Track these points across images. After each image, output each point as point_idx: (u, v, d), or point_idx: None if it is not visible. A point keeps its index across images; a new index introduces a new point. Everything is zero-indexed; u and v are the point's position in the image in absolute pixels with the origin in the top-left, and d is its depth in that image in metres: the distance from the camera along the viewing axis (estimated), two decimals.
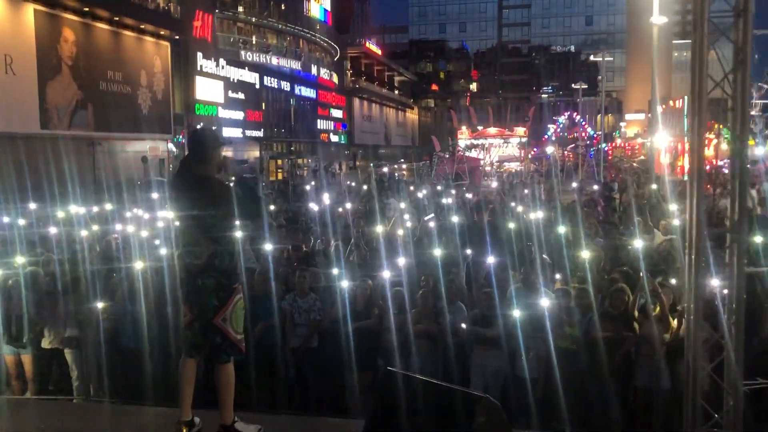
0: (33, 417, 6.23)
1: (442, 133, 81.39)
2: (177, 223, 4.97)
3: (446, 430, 3.38)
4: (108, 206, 14.86)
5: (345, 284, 7.18)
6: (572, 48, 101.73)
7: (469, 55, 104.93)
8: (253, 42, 52.65)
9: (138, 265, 7.93)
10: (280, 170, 56.97)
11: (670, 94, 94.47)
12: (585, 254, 7.58)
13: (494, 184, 29.76)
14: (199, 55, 44.52)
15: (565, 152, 58.56)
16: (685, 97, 44.34)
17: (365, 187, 22.91)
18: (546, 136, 69.63)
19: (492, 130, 57.51)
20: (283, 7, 56.02)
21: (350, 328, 7.09)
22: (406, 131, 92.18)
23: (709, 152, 47.28)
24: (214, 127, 28.83)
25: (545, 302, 6.70)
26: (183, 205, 4.76)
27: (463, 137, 56.53)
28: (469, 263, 8.27)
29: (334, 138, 67.87)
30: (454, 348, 7.05)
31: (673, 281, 7.16)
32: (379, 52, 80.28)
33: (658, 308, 6.42)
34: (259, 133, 52.52)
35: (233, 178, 5.12)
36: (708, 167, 34.84)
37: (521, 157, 52.69)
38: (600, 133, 74.57)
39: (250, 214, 5.18)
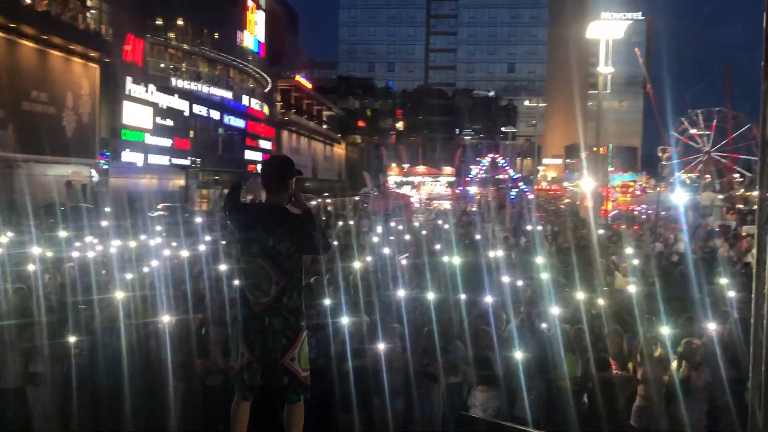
0: None
1: (369, 170, 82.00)
2: (240, 256, 4.58)
3: None
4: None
5: (345, 321, 6.98)
6: (493, 93, 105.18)
7: (395, 95, 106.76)
8: (184, 69, 51.74)
9: (117, 295, 7.48)
10: (205, 200, 55.74)
11: (586, 140, 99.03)
12: (579, 295, 7.69)
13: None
14: (129, 79, 43.33)
15: (488, 192, 60.11)
16: (610, 145, 46.56)
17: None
18: (470, 177, 71.17)
19: (421, 168, 58.53)
20: (216, 36, 55.42)
21: (349, 366, 6.89)
22: (333, 165, 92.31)
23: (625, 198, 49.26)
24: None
25: (547, 341, 6.74)
26: (254, 235, 4.45)
27: (393, 174, 57.26)
28: (459, 302, 8.23)
29: None
30: (453, 388, 6.97)
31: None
32: (309, 85, 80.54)
33: (659, 350, 6.55)
34: (186, 161, 51.31)
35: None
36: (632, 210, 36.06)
37: (449, 196, 53.78)
38: (519, 175, 77.28)
39: (320, 248, 4.72)
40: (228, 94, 57.21)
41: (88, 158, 39.20)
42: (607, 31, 20.86)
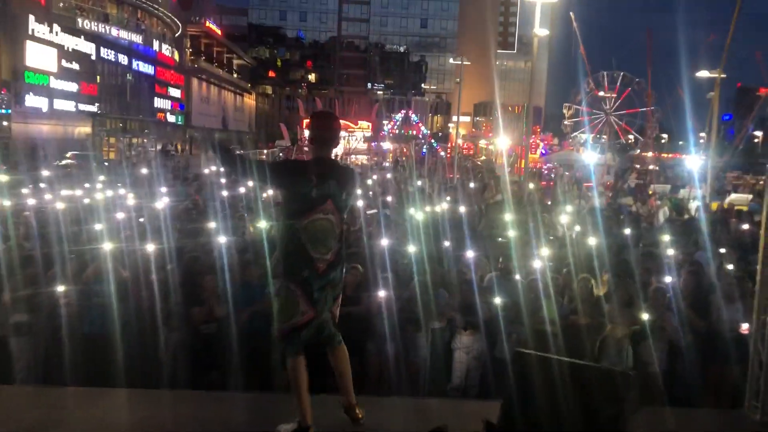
0: None
1: (279, 121, 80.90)
2: (304, 214, 4.46)
3: (593, 407, 3.77)
4: None
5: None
6: (404, 48, 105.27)
7: (304, 45, 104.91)
8: (91, 9, 48.99)
9: (106, 246, 7.47)
10: (112, 149, 53.56)
11: (493, 98, 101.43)
12: (542, 247, 8.34)
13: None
14: (31, 18, 40.64)
15: (404, 149, 60.89)
16: (525, 104, 48.02)
17: None
18: (383, 132, 71.62)
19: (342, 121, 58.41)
20: None
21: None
22: (244, 116, 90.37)
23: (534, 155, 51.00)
24: None
25: (524, 288, 7.34)
26: (328, 191, 4.45)
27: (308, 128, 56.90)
28: (443, 252, 8.69)
29: (171, 118, 64.97)
30: (437, 333, 7.47)
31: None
32: (219, 32, 78.01)
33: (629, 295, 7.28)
34: (93, 108, 49.02)
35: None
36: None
37: (365, 151, 54.09)
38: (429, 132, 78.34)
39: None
40: (137, 38, 54.73)
41: None
42: None
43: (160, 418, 5.25)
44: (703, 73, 28.54)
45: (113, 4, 52.09)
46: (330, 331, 4.65)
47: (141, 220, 9.11)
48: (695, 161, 30.03)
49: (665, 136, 68.16)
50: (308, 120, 57.09)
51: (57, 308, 7.35)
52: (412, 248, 8.07)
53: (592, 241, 9.69)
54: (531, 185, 19.57)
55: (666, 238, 10.14)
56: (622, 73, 62.99)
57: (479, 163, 40.76)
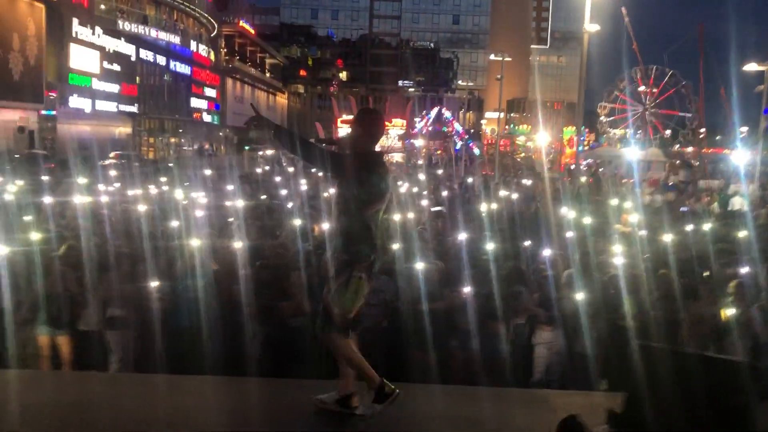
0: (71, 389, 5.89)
1: (312, 120, 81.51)
2: (374, 205, 4.73)
3: (725, 400, 3.85)
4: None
5: (420, 266, 7.44)
6: (433, 44, 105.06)
7: (336, 43, 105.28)
8: (131, 11, 49.84)
9: (194, 242, 7.71)
10: (151, 149, 54.45)
11: (526, 94, 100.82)
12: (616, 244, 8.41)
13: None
14: (75, 21, 41.53)
15: (436, 146, 60.97)
16: (564, 101, 47.76)
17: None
18: (416, 130, 71.59)
19: None
20: None
21: (424, 308, 7.37)
22: (276, 115, 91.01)
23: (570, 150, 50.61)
24: None
25: (605, 286, 7.41)
26: (387, 184, 4.79)
27: (345, 126, 57.24)
28: (521, 250, 8.79)
29: (207, 118, 65.79)
30: (518, 329, 7.58)
31: None
32: (253, 31, 78.70)
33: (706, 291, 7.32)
34: (134, 108, 49.89)
35: None
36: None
37: (401, 148, 54.23)
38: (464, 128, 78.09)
39: None
40: (175, 39, 55.48)
41: (37, 103, 37.68)
42: None
43: (247, 404, 5.41)
44: (751, 66, 28.14)
45: (152, 5, 52.90)
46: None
47: (229, 219, 9.30)
48: (742, 156, 29.54)
49: (703, 130, 66.98)
50: (345, 118, 57.53)
51: (150, 302, 7.64)
52: (489, 244, 8.17)
53: (663, 237, 9.73)
54: (582, 179, 19.48)
55: (742, 233, 10.11)
56: (671, 71, 62.01)
57: (519, 160, 40.66)
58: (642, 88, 60.28)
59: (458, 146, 54.97)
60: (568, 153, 47.81)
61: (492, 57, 54.58)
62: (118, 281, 7.70)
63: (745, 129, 79.69)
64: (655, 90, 60.76)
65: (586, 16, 18.08)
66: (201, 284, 7.59)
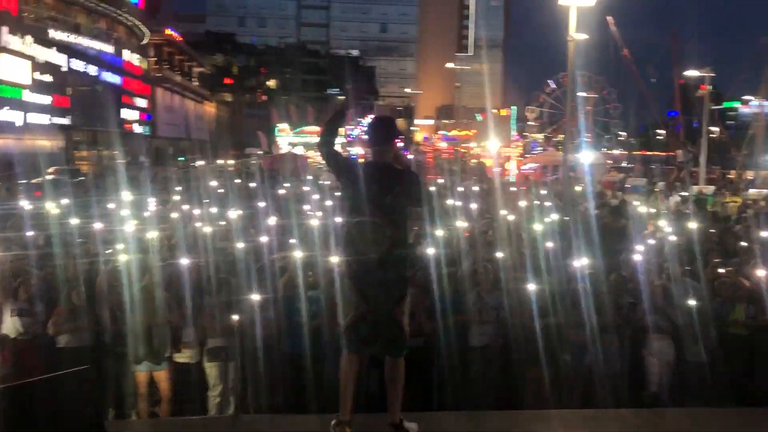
0: None
1: (243, 129, 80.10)
2: (353, 212, 4.70)
3: None
4: None
5: (532, 287, 7.38)
6: (357, 53, 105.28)
7: (263, 52, 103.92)
8: (62, 19, 47.55)
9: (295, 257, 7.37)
10: (83, 162, 51.98)
11: (453, 101, 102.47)
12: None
13: None
14: (4, 29, 39.20)
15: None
16: (514, 107, 48.77)
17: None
18: (351, 137, 71.56)
19: (313, 128, 58.24)
20: None
21: (537, 325, 7.33)
22: (204, 124, 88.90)
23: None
24: None
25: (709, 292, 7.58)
26: (371, 193, 4.60)
27: (284, 134, 56.63)
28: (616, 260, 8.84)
29: (138, 129, 63.45)
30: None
31: None
32: (180, 39, 76.70)
33: None
34: (66, 121, 47.52)
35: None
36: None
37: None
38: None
39: (425, 201, 5.13)
40: (107, 48, 53.28)
41: None
42: None
43: None
44: (692, 72, 29.75)
45: (83, 13, 50.67)
46: (391, 336, 4.70)
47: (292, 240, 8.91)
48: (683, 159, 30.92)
49: (663, 132, 69.93)
50: (311, 129, 56.29)
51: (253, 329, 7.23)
52: (585, 258, 8.19)
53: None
54: (578, 188, 19.92)
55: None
56: (597, 77, 64.43)
57: (471, 165, 41.21)
58: (583, 94, 62.35)
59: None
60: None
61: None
62: (217, 308, 7.28)
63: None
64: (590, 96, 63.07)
65: (571, 25, 18.45)
66: (311, 306, 7.28)
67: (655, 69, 68.60)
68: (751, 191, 24.15)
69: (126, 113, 60.41)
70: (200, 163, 47.28)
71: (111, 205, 13.63)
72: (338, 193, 10.50)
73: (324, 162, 4.99)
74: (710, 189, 26.30)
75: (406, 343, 4.75)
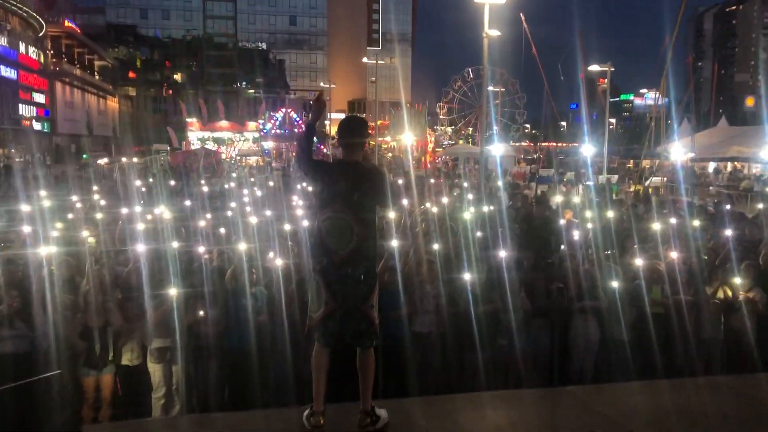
0: None
1: (147, 124, 77.50)
2: (322, 209, 4.81)
3: None
4: None
5: (468, 277, 7.73)
6: (265, 46, 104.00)
7: (168, 45, 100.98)
8: None
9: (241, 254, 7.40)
10: None
11: (365, 96, 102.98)
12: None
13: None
14: None
15: (288, 148, 60.74)
16: (427, 102, 49.36)
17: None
18: (264, 132, 70.71)
19: (224, 123, 57.12)
20: None
21: (472, 312, 7.69)
22: (107, 120, 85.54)
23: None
24: None
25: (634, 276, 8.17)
26: (339, 190, 4.73)
27: (194, 130, 55.34)
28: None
29: (37, 125, 60.41)
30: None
31: None
32: (79, 31, 73.42)
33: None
34: None
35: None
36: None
37: (257, 152, 53.50)
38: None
39: (388, 201, 5.18)
40: (2, 40, 50.38)
41: None
42: None
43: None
44: (594, 67, 31.27)
45: None
46: (360, 329, 4.81)
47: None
48: (589, 149, 32.45)
49: (564, 124, 72.41)
50: (223, 124, 54.92)
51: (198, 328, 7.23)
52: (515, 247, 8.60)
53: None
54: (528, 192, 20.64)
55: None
56: (501, 70, 66.25)
57: (389, 159, 41.66)
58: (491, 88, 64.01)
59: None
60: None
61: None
62: (159, 308, 7.20)
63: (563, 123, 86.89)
64: (499, 88, 64.76)
65: (485, 21, 19.02)
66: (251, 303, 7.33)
67: (563, 65, 71.48)
68: (654, 179, 25.67)
69: (23, 109, 57.45)
70: (104, 160, 45.58)
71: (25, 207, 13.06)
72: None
73: (307, 176, 5.04)
74: (614, 178, 27.91)
75: (375, 336, 4.86)
